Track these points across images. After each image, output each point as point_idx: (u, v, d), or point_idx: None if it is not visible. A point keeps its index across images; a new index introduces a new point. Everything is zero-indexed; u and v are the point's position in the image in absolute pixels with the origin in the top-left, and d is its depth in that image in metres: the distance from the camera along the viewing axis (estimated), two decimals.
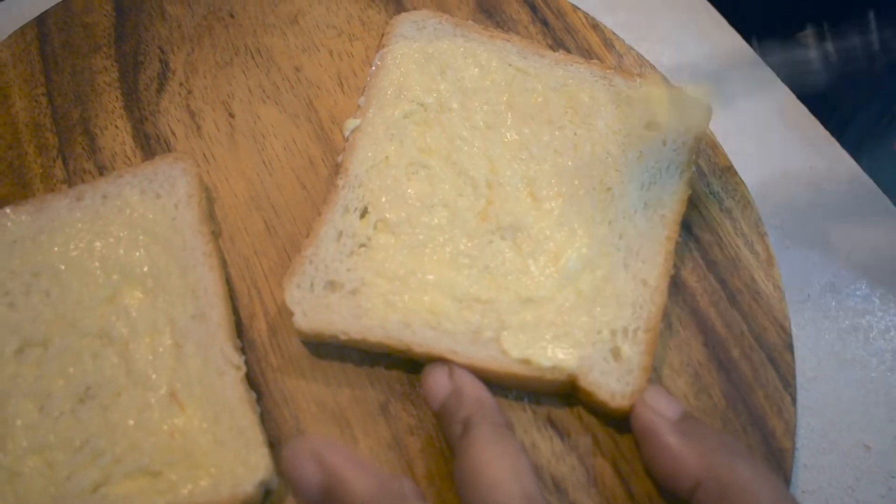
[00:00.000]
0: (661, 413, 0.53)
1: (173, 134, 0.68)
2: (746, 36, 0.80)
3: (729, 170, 0.68)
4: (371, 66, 0.68)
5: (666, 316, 0.59)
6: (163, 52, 0.73)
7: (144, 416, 0.54)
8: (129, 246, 0.60)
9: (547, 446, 0.56)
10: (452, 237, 0.60)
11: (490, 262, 0.59)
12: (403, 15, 0.71)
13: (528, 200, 0.62)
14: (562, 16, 0.76)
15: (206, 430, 0.53)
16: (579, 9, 0.76)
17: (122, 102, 0.70)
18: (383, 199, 0.61)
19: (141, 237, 0.60)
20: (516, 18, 0.75)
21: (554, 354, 0.56)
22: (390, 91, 0.66)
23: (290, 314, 0.56)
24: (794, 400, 0.58)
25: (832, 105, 0.94)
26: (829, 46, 0.60)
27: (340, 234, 0.60)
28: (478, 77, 0.67)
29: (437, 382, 0.54)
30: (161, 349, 0.56)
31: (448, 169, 0.63)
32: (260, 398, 0.57)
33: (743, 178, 0.67)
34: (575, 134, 0.65)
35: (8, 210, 0.61)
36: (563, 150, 0.64)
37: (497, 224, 0.61)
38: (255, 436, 0.53)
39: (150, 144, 0.68)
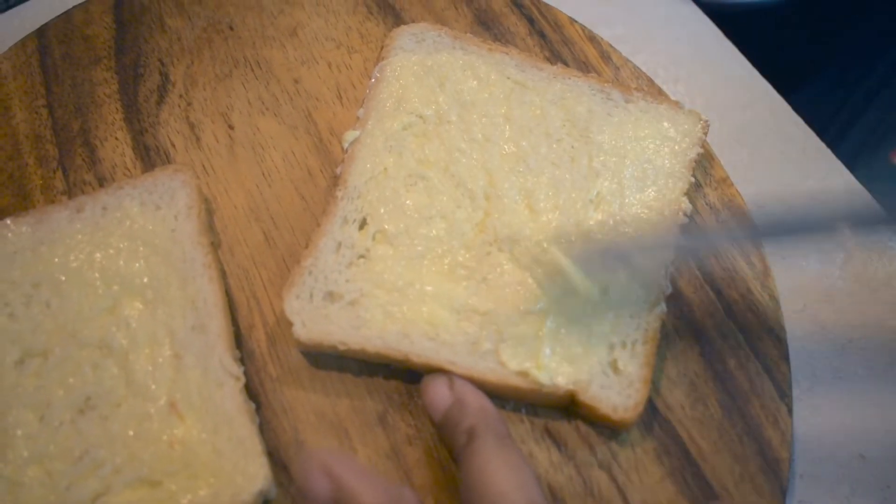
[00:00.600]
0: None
1: (173, 145, 0.69)
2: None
3: (725, 181, 0.68)
4: (370, 79, 0.68)
5: (663, 327, 0.59)
6: (163, 64, 0.73)
7: (144, 426, 0.54)
8: (129, 257, 0.60)
9: (545, 457, 0.56)
10: (451, 248, 0.61)
11: (488, 274, 0.60)
12: (403, 28, 0.71)
13: (526, 212, 0.62)
14: (559, 28, 0.76)
15: (205, 441, 0.53)
16: (576, 21, 0.77)
17: (122, 114, 0.70)
18: (382, 211, 0.62)
19: (141, 248, 0.60)
20: (514, 31, 0.76)
21: (552, 367, 0.56)
22: (389, 103, 0.67)
23: (290, 325, 0.57)
24: (790, 410, 0.59)
25: (828, 116, 0.95)
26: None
27: (339, 245, 0.60)
28: (476, 90, 0.68)
29: (438, 393, 0.54)
30: (161, 360, 0.56)
31: (446, 181, 0.64)
32: (259, 408, 0.57)
33: (739, 190, 0.68)
34: (572, 147, 0.66)
35: (8, 221, 0.61)
36: (561, 163, 0.65)
37: (495, 235, 0.61)
38: (254, 446, 0.53)
39: (149, 156, 0.68)
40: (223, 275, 0.62)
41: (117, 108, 0.71)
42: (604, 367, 0.57)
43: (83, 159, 0.68)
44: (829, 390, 0.63)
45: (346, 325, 0.57)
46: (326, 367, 0.59)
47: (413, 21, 0.75)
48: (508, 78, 0.69)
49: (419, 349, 0.56)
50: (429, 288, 0.59)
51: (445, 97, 0.67)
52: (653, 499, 0.55)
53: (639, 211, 0.63)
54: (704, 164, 0.68)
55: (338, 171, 0.64)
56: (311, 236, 0.61)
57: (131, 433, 0.54)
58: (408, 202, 0.62)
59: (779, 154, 0.75)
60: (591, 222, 0.62)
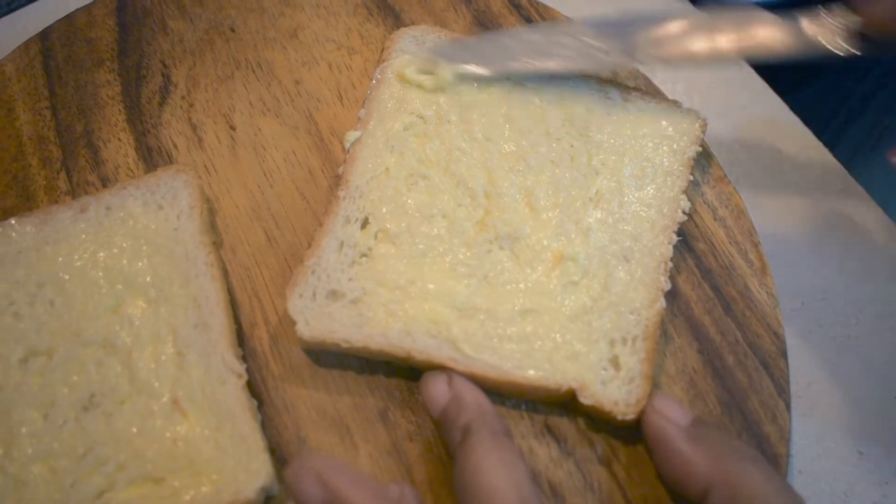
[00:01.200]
0: (670, 419, 0.54)
1: (175, 146, 0.69)
2: None
3: (722, 180, 0.69)
4: (371, 80, 0.69)
5: (662, 324, 0.60)
6: (165, 66, 0.74)
7: (147, 423, 0.54)
8: (133, 256, 0.61)
9: (544, 452, 0.57)
10: (452, 247, 0.61)
11: (489, 272, 0.60)
12: (403, 30, 0.72)
13: (526, 210, 0.63)
14: None
15: (208, 438, 0.54)
16: None
17: (125, 115, 0.71)
18: (384, 210, 0.62)
19: (144, 248, 0.61)
20: None
21: (553, 364, 0.57)
22: (390, 104, 0.67)
23: (292, 323, 0.57)
24: (788, 406, 0.59)
25: (825, 116, 0.96)
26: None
27: (342, 244, 0.61)
28: (476, 90, 0.69)
29: (437, 389, 0.55)
30: (164, 358, 0.57)
31: (447, 180, 0.64)
32: (261, 405, 0.58)
33: (736, 188, 0.68)
34: (572, 145, 0.66)
35: (13, 221, 0.62)
36: (560, 162, 0.65)
37: (495, 234, 0.62)
38: (257, 442, 0.54)
39: (152, 157, 0.69)
40: (225, 274, 0.63)
41: (120, 110, 0.71)
42: (605, 363, 0.57)
43: (86, 160, 0.68)
44: (827, 387, 0.64)
45: (348, 323, 0.57)
46: (328, 364, 0.60)
47: (413, 22, 0.76)
48: (507, 78, 0.69)
49: (421, 346, 0.56)
50: (430, 286, 0.59)
51: (446, 98, 0.68)
52: (653, 494, 0.55)
53: (638, 209, 0.63)
54: (702, 163, 0.69)
55: (340, 171, 0.65)
56: (314, 235, 0.61)
57: (135, 430, 0.54)
58: (409, 201, 0.63)
59: (776, 153, 0.75)
60: (591, 220, 0.63)
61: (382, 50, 0.71)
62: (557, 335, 0.58)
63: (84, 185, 0.67)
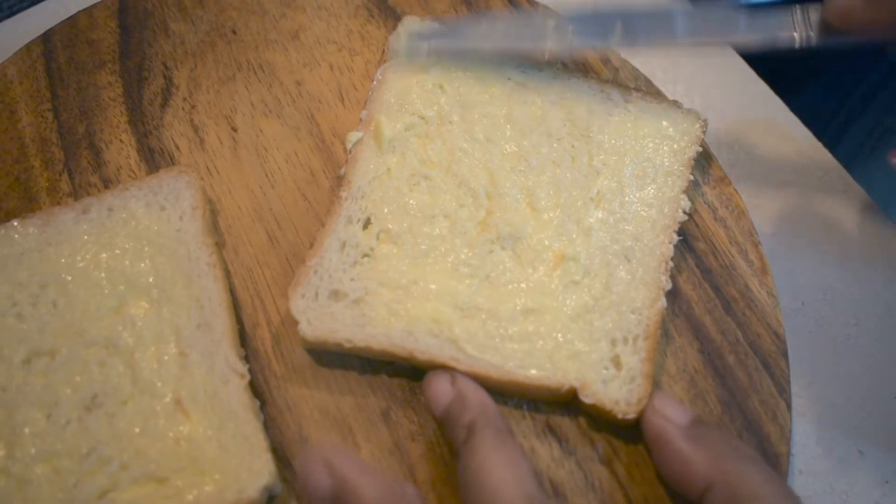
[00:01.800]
0: (670, 419, 0.54)
1: (177, 148, 0.70)
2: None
3: (723, 180, 0.69)
4: (372, 80, 0.69)
5: (662, 323, 0.60)
6: (166, 67, 0.74)
7: (150, 423, 0.55)
8: (135, 257, 0.61)
9: (546, 452, 0.57)
10: (454, 247, 0.61)
11: (491, 272, 0.60)
12: (406, 19, 0.72)
13: (527, 211, 0.63)
14: None
15: (210, 437, 0.54)
16: None
17: (127, 117, 0.71)
18: (385, 210, 0.63)
19: (146, 248, 0.61)
20: None
21: (554, 363, 0.57)
22: (392, 104, 0.67)
23: (295, 323, 0.57)
24: (788, 406, 0.59)
25: (826, 117, 0.96)
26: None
27: (344, 244, 0.61)
28: (477, 91, 0.69)
29: (440, 388, 0.55)
30: (166, 358, 0.57)
31: (449, 180, 0.64)
32: (263, 405, 0.58)
33: (736, 188, 0.69)
34: (573, 146, 0.67)
35: (15, 223, 0.62)
36: (562, 162, 0.66)
37: (497, 234, 0.62)
38: (259, 442, 0.54)
39: (154, 158, 0.69)
40: (227, 274, 0.63)
41: (122, 112, 0.71)
42: (606, 362, 0.57)
43: (88, 162, 0.69)
44: (827, 386, 0.64)
45: (351, 323, 0.58)
46: (330, 364, 0.60)
47: None
48: (509, 79, 0.70)
49: (423, 346, 0.57)
50: (432, 286, 0.59)
51: (447, 98, 0.68)
52: (654, 494, 0.56)
53: (639, 209, 0.64)
54: (703, 164, 0.69)
55: (342, 171, 0.65)
56: (316, 236, 0.62)
57: (138, 430, 0.54)
58: (411, 201, 0.63)
59: (776, 154, 0.76)
60: (592, 220, 0.63)
61: (384, 51, 0.71)
62: (559, 334, 0.58)
63: (86, 187, 0.67)
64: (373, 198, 0.63)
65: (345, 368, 0.60)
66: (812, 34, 0.60)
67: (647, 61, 0.78)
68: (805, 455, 0.61)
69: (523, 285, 0.60)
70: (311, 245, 0.61)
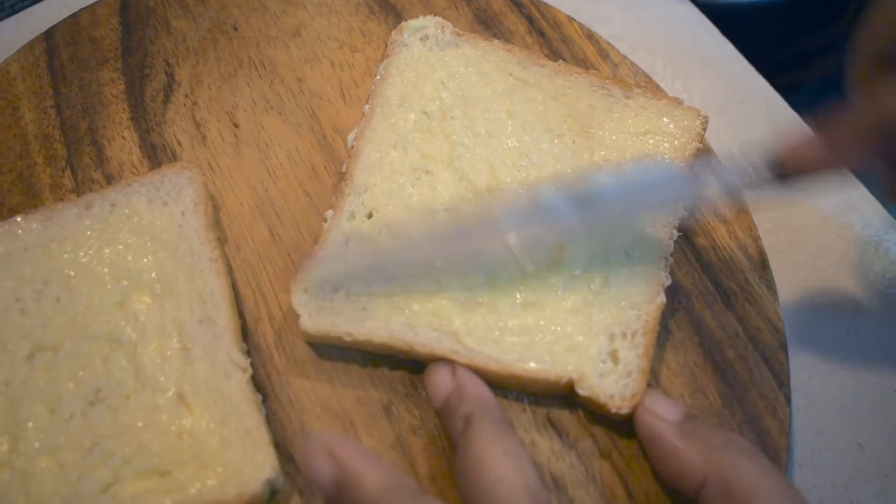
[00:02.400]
0: (662, 417, 0.54)
1: (179, 144, 0.70)
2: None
3: None
4: (374, 76, 0.70)
5: (662, 318, 0.60)
6: (168, 64, 0.74)
7: (153, 417, 0.55)
8: (138, 252, 0.61)
9: (546, 445, 0.57)
10: None
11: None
12: (407, 23, 0.72)
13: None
14: (558, 27, 0.77)
15: (213, 431, 0.54)
16: (574, 20, 0.78)
17: (129, 114, 0.71)
18: (388, 205, 0.63)
19: (148, 244, 0.61)
20: (513, 30, 0.77)
21: (553, 357, 0.57)
22: (394, 99, 0.68)
23: (296, 318, 0.58)
24: (788, 399, 0.60)
25: (825, 113, 0.96)
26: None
27: (347, 239, 0.61)
28: (479, 86, 0.69)
29: (440, 380, 0.55)
30: (169, 352, 0.57)
31: (450, 175, 0.65)
32: (265, 399, 0.58)
33: None
34: (574, 142, 0.67)
35: (19, 219, 0.62)
36: (563, 158, 0.66)
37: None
38: (261, 436, 0.54)
39: (156, 154, 0.69)
40: (229, 269, 0.63)
41: (124, 108, 0.72)
42: (604, 356, 0.58)
43: (91, 158, 0.69)
44: (826, 380, 0.64)
45: (352, 317, 0.58)
46: (332, 358, 0.60)
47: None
48: (511, 75, 0.70)
49: (423, 339, 0.57)
50: None
51: (449, 94, 0.68)
52: (654, 487, 0.56)
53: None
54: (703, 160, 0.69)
55: (343, 167, 0.65)
56: (320, 230, 0.62)
57: (140, 424, 0.55)
58: (413, 196, 0.64)
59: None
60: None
61: (386, 45, 0.71)
62: (558, 328, 0.58)
63: (89, 183, 0.68)
64: (375, 192, 0.63)
65: (346, 362, 0.60)
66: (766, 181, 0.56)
67: (647, 57, 0.79)
68: (804, 448, 0.61)
69: (523, 279, 0.60)
70: (314, 241, 0.62)
